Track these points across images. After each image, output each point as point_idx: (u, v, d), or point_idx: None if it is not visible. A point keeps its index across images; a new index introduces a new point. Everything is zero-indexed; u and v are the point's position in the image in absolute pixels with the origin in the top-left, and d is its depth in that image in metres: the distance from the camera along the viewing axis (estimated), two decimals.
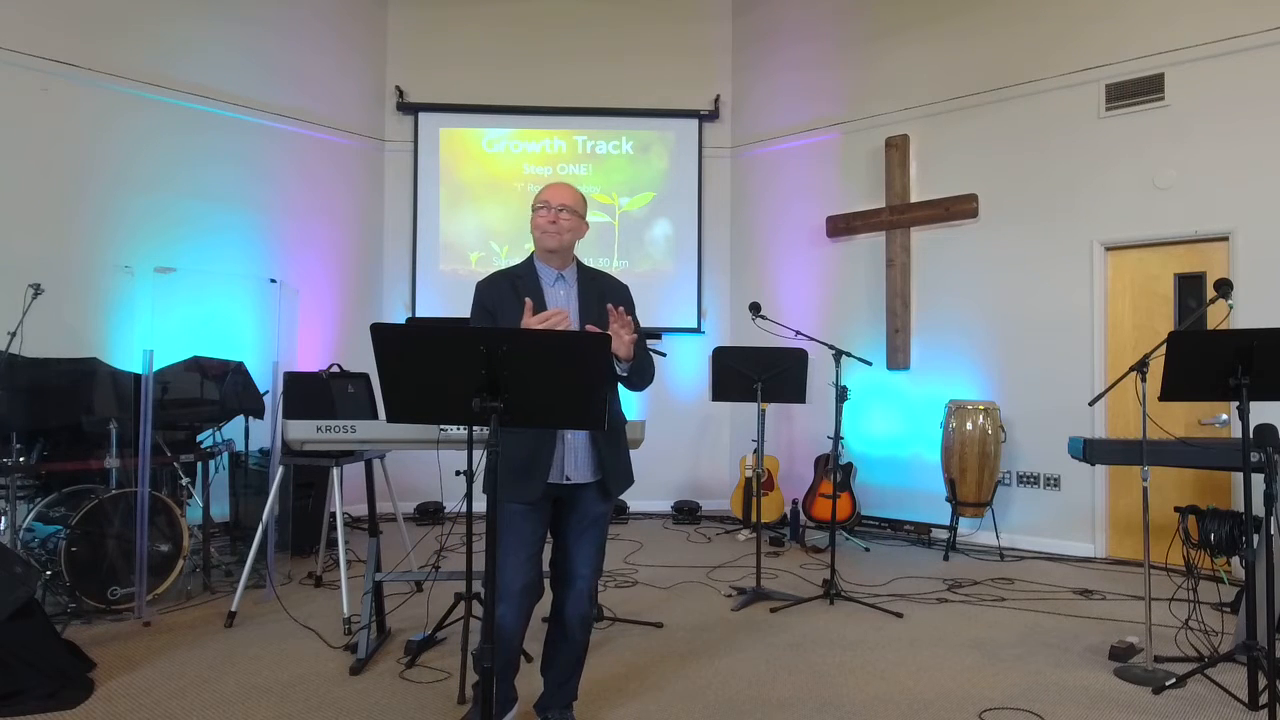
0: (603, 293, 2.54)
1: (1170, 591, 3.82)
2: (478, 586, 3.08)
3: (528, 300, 2.32)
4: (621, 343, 2.32)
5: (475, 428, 2.26)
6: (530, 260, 2.57)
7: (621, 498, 6.79)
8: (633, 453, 3.52)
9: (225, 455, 4.91)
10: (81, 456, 4.05)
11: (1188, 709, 2.94)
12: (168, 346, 5.00)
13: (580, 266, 2.61)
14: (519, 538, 2.41)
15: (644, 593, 4.50)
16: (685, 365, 7.08)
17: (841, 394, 4.38)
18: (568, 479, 2.45)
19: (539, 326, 2.23)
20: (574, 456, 2.46)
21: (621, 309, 2.36)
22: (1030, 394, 5.63)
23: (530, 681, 2.84)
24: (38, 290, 4.23)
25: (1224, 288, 3.29)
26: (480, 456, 2.03)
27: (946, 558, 5.40)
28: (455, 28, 7.18)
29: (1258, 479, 3.07)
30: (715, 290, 7.26)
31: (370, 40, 7.09)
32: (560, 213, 2.48)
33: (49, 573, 3.61)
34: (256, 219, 6.33)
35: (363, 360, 5.51)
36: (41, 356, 4.17)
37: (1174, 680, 3.11)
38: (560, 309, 2.35)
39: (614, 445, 2.53)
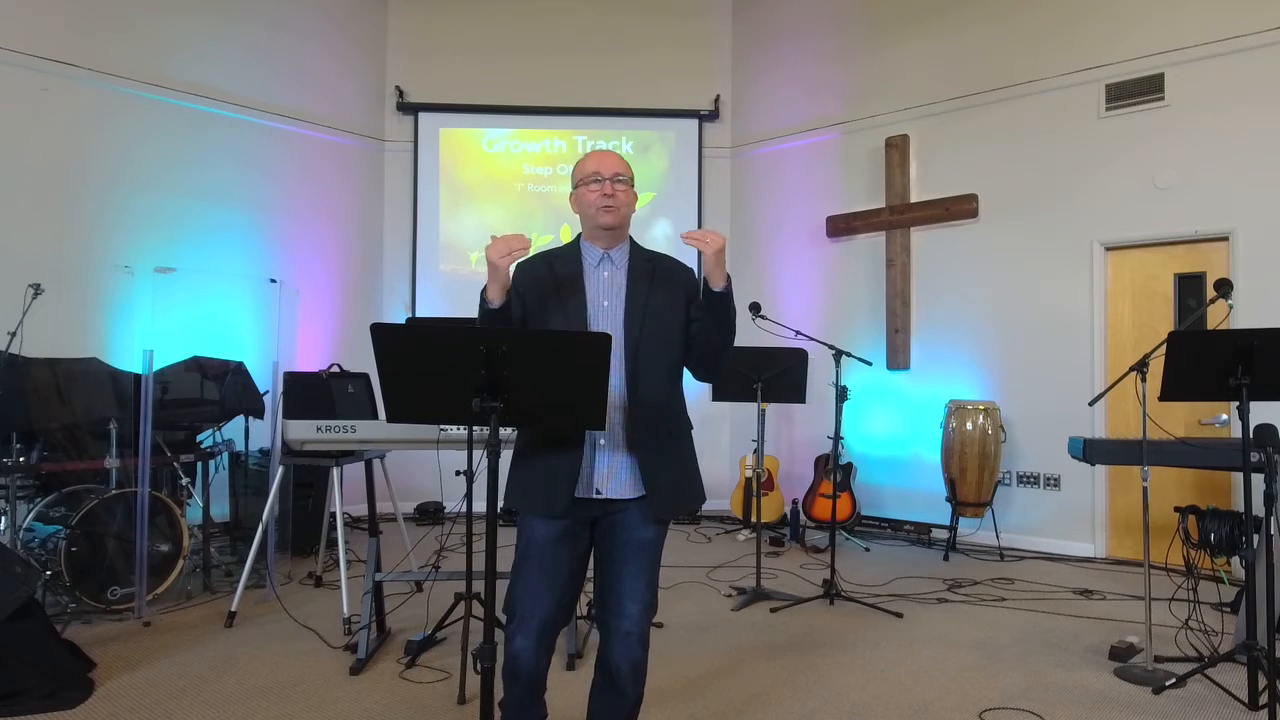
0: (657, 277, 2.19)
1: (1170, 591, 3.81)
2: (477, 586, 3.09)
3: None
4: (710, 256, 2.05)
5: (475, 428, 2.25)
6: (576, 241, 2.23)
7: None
8: None
9: (225, 455, 4.91)
10: (81, 456, 4.04)
11: (1188, 709, 2.94)
12: (168, 346, 4.99)
13: (634, 246, 2.23)
14: (539, 564, 2.02)
15: None
16: None
17: (841, 394, 4.37)
18: (598, 493, 2.04)
19: (497, 247, 1.95)
20: (606, 466, 2.05)
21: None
22: (1030, 394, 5.63)
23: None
24: (38, 290, 4.23)
25: (1224, 288, 3.28)
26: (480, 456, 2.00)
27: (946, 558, 5.40)
28: (455, 27, 7.18)
29: (1258, 479, 3.07)
30: None
31: (370, 40, 7.09)
32: (616, 184, 2.11)
33: (49, 573, 3.61)
34: (256, 219, 6.33)
35: (363, 360, 5.49)
36: (41, 356, 4.17)
37: (1174, 680, 3.11)
38: (520, 234, 1.98)
39: (665, 453, 2.08)
